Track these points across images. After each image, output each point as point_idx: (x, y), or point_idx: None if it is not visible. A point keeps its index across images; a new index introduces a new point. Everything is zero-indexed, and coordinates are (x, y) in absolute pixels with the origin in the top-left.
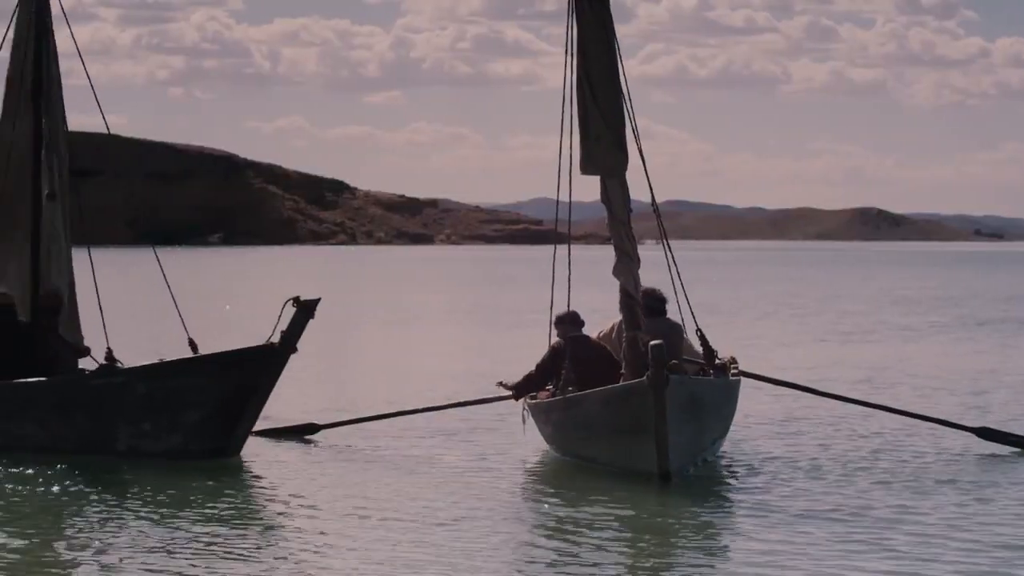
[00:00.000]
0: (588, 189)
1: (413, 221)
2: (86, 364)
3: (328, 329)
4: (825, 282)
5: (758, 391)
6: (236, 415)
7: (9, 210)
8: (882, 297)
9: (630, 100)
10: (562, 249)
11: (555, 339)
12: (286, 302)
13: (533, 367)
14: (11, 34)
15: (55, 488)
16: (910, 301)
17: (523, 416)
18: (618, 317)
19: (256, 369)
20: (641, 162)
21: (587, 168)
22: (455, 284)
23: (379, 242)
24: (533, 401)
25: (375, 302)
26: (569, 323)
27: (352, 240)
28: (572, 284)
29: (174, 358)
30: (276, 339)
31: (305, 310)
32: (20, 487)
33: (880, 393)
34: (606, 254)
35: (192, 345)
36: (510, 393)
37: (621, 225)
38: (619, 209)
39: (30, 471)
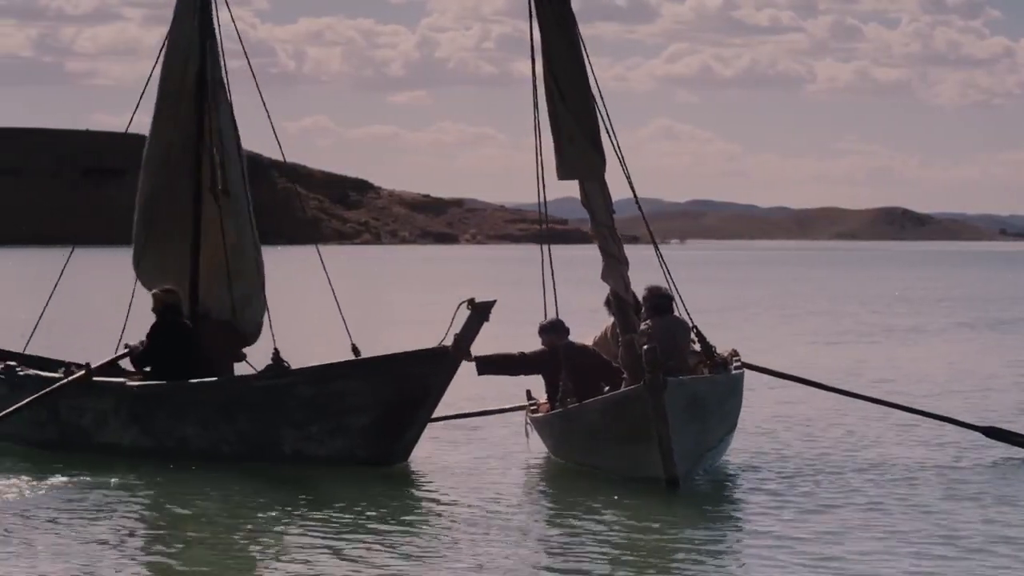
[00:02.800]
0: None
1: (438, 221)
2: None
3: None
4: (837, 281)
5: (761, 389)
6: (405, 420)
7: (170, 209)
8: (892, 296)
9: (602, 99)
10: (570, 249)
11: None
12: (460, 304)
13: (516, 352)
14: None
15: (218, 492)
16: (919, 301)
17: (526, 431)
18: (610, 320)
19: (427, 373)
20: (621, 162)
21: (564, 173)
22: (481, 283)
23: (404, 241)
24: (535, 415)
25: (407, 302)
26: (553, 331)
27: (377, 240)
28: (579, 285)
29: (339, 360)
30: (448, 342)
31: (480, 313)
32: (187, 491)
33: (883, 391)
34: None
35: (354, 350)
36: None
37: (604, 228)
38: (601, 212)
39: (197, 475)
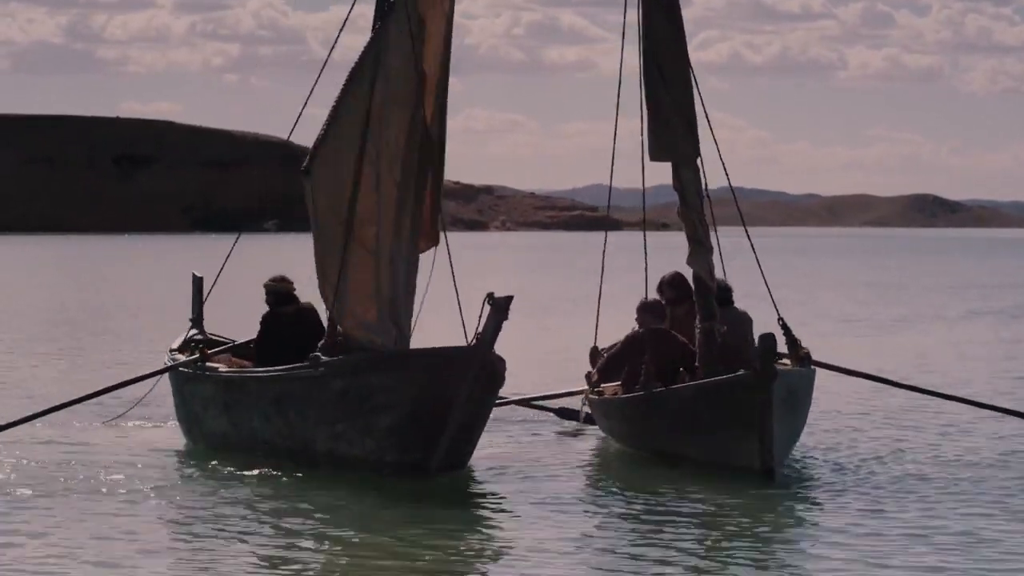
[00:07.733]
0: (639, 176)
1: (468, 208)
2: None
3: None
4: (848, 270)
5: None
6: (435, 426)
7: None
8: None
9: (698, 86)
10: (621, 236)
11: (633, 328)
12: (484, 299)
13: (605, 357)
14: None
15: (250, 490)
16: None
17: (581, 414)
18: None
19: (453, 374)
20: (716, 148)
21: (658, 155)
22: (518, 271)
23: None
24: (600, 398)
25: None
26: (650, 313)
27: None
28: (627, 271)
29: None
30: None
31: (498, 308)
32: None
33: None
34: (662, 241)
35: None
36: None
37: (694, 213)
38: (691, 197)
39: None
